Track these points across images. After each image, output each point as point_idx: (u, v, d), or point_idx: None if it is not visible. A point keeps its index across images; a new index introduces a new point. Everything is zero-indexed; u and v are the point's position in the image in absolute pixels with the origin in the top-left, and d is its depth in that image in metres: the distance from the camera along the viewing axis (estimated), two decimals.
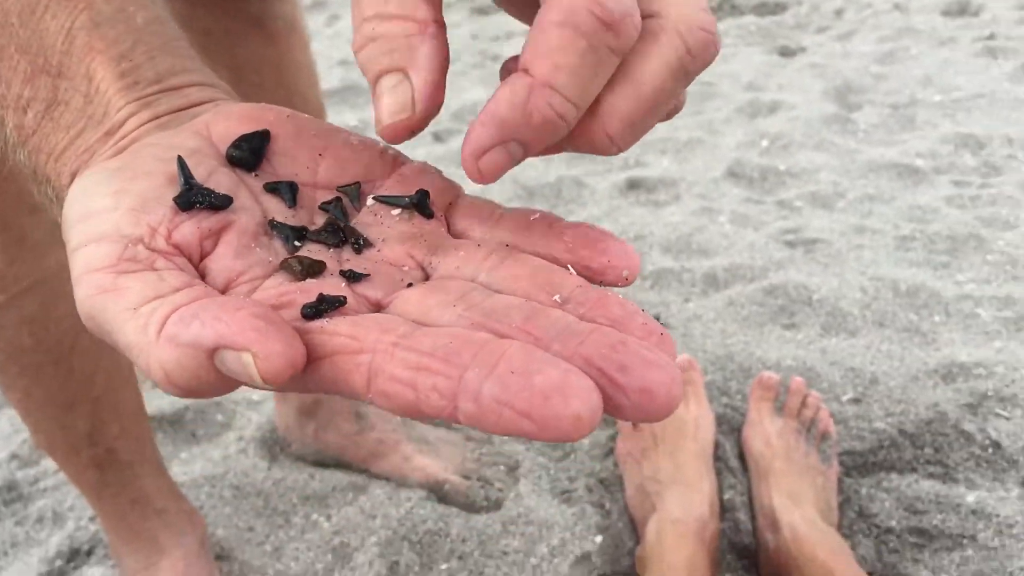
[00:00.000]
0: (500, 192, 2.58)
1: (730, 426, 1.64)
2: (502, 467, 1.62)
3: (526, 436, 0.34)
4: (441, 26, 0.44)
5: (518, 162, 0.44)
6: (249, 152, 0.49)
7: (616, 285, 0.44)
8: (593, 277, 0.43)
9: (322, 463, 1.64)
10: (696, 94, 3.19)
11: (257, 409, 1.78)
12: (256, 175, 0.49)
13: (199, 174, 0.46)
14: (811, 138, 2.80)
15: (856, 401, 1.73)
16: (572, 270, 0.44)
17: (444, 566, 1.43)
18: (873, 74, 3.25)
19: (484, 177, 0.41)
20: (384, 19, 0.44)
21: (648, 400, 0.34)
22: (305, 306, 0.41)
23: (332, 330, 0.38)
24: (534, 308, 0.39)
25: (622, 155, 2.79)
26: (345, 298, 0.42)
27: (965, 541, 1.46)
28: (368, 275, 0.45)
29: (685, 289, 2.15)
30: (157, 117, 0.50)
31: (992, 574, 1.38)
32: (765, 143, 2.81)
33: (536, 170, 2.70)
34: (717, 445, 1.57)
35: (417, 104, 0.43)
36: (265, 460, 1.66)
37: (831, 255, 2.23)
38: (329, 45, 3.96)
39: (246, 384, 0.37)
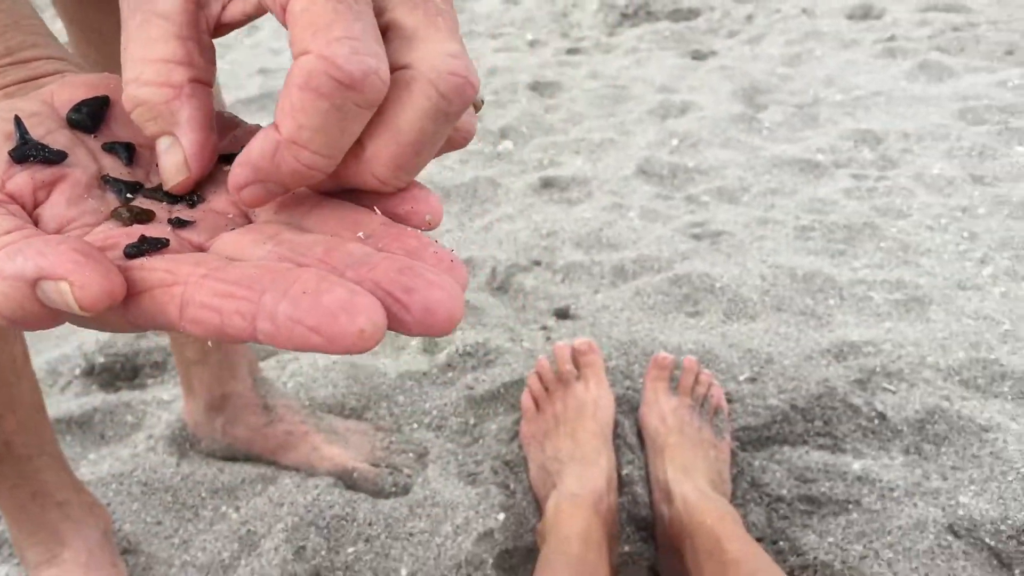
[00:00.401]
0: None
1: (630, 406, 1.70)
2: (411, 454, 1.66)
3: (317, 350, 0.38)
4: (200, 83, 0.47)
5: (281, 194, 0.47)
6: (88, 116, 0.52)
7: (422, 228, 0.48)
8: (399, 221, 0.46)
9: (232, 457, 1.66)
10: (610, 97, 3.27)
11: (168, 408, 1.79)
12: (95, 137, 0.52)
13: (37, 133, 0.49)
14: (719, 136, 2.89)
15: (752, 380, 1.81)
16: (378, 211, 0.48)
17: (351, 549, 1.46)
18: (779, 75, 3.37)
19: (247, 205, 0.46)
20: (143, 84, 0.47)
21: (430, 316, 0.38)
22: (128, 246, 0.44)
23: (151, 266, 0.41)
24: (335, 242, 0.42)
25: (536, 156, 2.85)
26: (168, 240, 0.45)
27: (850, 506, 1.53)
28: (193, 222, 0.48)
29: (595, 281, 2.21)
30: (4, 87, 0.53)
31: (873, 534, 1.45)
32: (675, 142, 2.90)
33: (452, 171, 2.75)
34: (617, 424, 1.63)
35: (191, 164, 0.48)
36: (174, 457, 1.67)
37: (734, 246, 2.32)
38: (249, 55, 3.96)
39: (66, 313, 0.41)
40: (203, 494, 1.59)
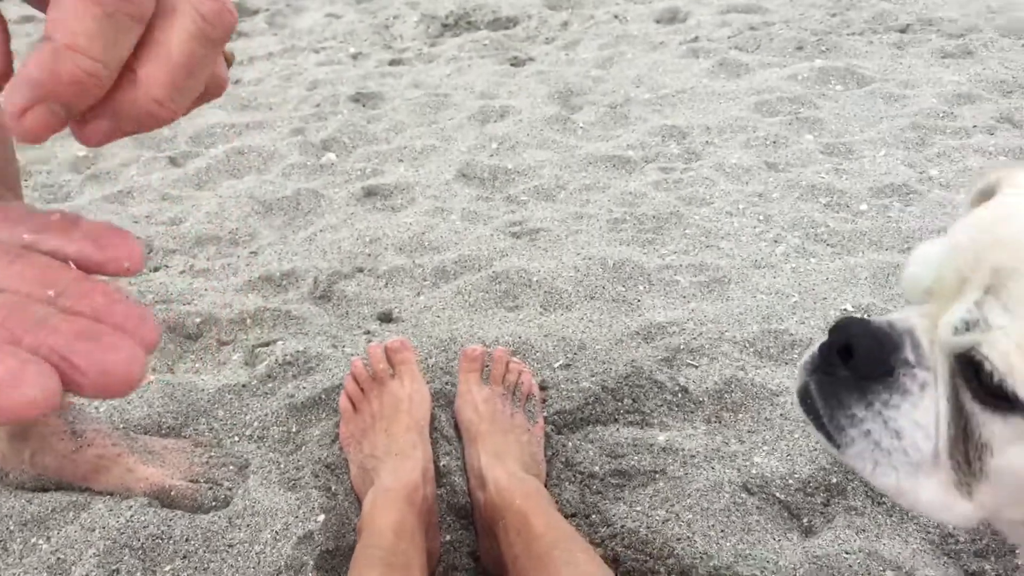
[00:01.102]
0: (236, 207, 2.59)
1: (448, 400, 1.74)
2: (231, 467, 1.65)
3: None
4: None
5: (64, 123, 0.48)
6: None
7: (120, 275, 0.50)
8: (99, 270, 0.48)
9: (43, 487, 1.61)
10: (432, 105, 3.33)
11: None
12: None
13: None
14: (535, 138, 2.99)
15: (566, 366, 1.89)
16: (73, 265, 0.48)
17: (168, 567, 1.44)
18: (593, 77, 3.51)
19: (31, 134, 0.46)
20: None
21: (106, 379, 0.40)
22: None
23: None
24: (18, 303, 0.43)
25: (359, 165, 2.87)
26: None
27: (657, 475, 1.63)
28: None
29: (417, 284, 2.25)
30: None
31: (675, 499, 1.55)
32: (495, 145, 2.98)
33: (273, 185, 2.73)
34: (434, 418, 1.67)
35: None
36: None
37: (551, 241, 2.41)
38: None
39: None
40: (11, 527, 1.53)
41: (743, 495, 1.55)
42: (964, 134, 2.83)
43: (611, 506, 1.57)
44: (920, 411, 0.71)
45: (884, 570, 1.40)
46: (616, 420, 1.77)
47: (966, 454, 0.69)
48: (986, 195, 0.79)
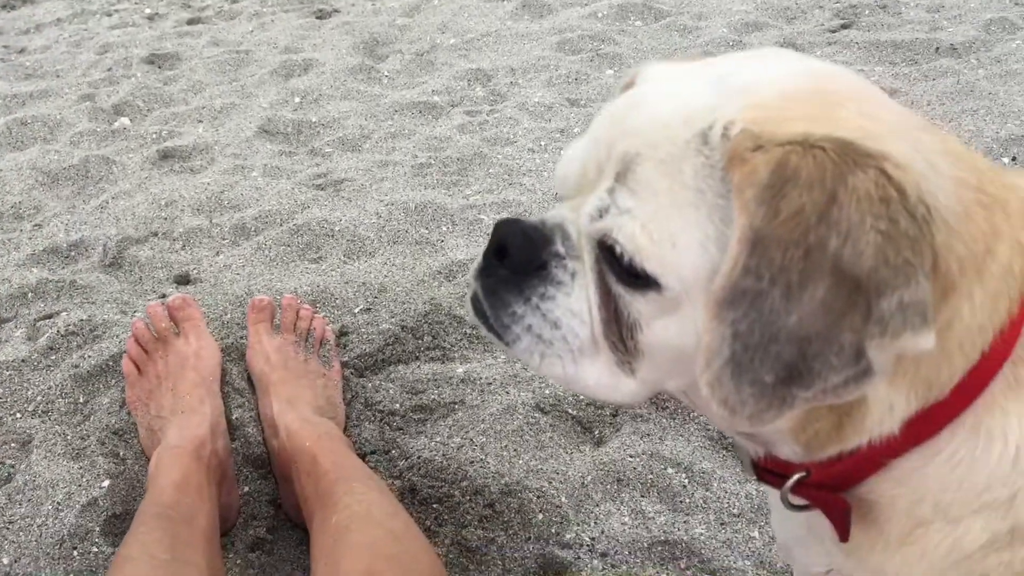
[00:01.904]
0: (19, 180, 2.45)
1: (243, 354, 1.71)
2: (13, 444, 1.57)
3: None
4: None
5: None
6: None
7: None
8: None
9: None
10: (232, 63, 3.22)
11: None
12: None
13: None
14: (339, 90, 2.95)
15: (367, 311, 1.88)
16: None
17: None
18: (399, 26, 3.47)
19: None
20: None
21: None
22: None
23: None
24: None
25: (155, 129, 2.76)
26: None
27: (456, 406, 1.65)
28: None
29: (216, 243, 2.19)
30: None
31: (470, 425, 1.58)
32: (298, 100, 2.91)
33: (59, 154, 2.59)
34: (227, 372, 1.64)
35: None
36: None
37: (355, 190, 2.38)
38: None
39: None
40: None
41: (536, 415, 1.60)
42: None
43: (411, 440, 1.59)
44: (573, 299, 0.74)
45: (665, 467, 1.47)
46: (417, 358, 1.78)
47: (620, 335, 0.73)
48: (628, 89, 0.83)
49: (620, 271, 0.70)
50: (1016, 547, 0.73)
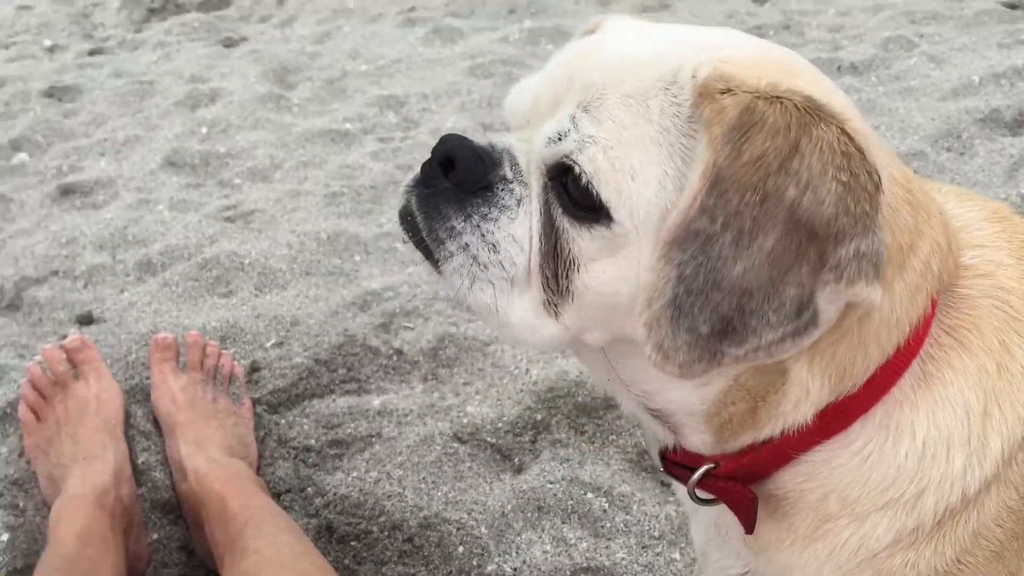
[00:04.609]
0: None
1: (147, 395, 1.65)
2: None
3: None
4: None
5: None
6: None
7: None
8: None
9: None
10: (136, 94, 3.14)
11: None
12: None
13: None
14: (248, 119, 2.89)
15: (279, 344, 1.84)
16: None
17: None
18: (309, 53, 3.43)
19: None
20: None
21: None
22: None
23: None
24: None
25: (55, 163, 2.68)
26: None
27: (373, 439, 1.62)
28: None
29: (120, 281, 2.12)
30: None
31: (387, 458, 1.55)
32: (204, 130, 2.85)
33: None
34: (130, 415, 1.58)
35: None
36: None
37: (266, 222, 2.33)
38: None
39: None
40: None
41: (455, 444, 1.57)
42: None
43: (326, 476, 1.55)
44: (516, 225, 0.72)
45: (585, 492, 1.46)
46: (332, 392, 1.74)
47: (555, 272, 0.71)
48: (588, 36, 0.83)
49: (569, 201, 0.69)
50: (921, 546, 0.74)
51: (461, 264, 0.73)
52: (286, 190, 2.50)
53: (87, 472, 1.38)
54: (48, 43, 3.76)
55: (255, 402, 1.68)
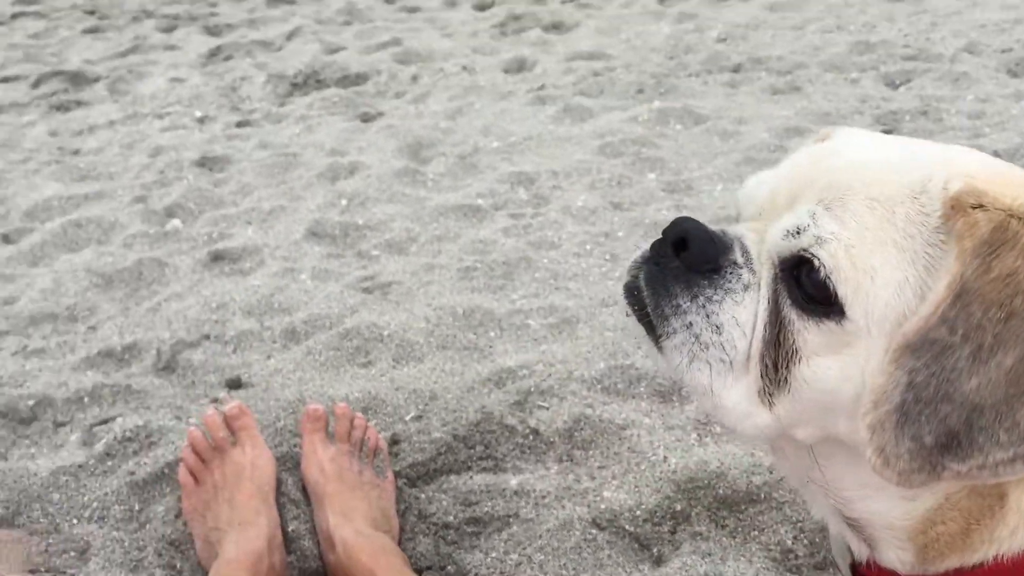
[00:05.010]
0: (74, 282, 2.50)
1: (297, 462, 1.71)
2: (72, 552, 1.57)
3: None
4: None
5: None
6: None
7: None
8: None
9: None
10: (280, 165, 3.30)
11: None
12: None
13: None
14: (385, 192, 3.00)
15: (418, 418, 1.88)
16: None
17: None
18: (442, 129, 3.55)
19: None
20: None
21: None
22: None
23: None
24: None
25: (206, 230, 2.82)
26: None
27: (511, 519, 1.63)
28: None
29: (266, 347, 2.21)
30: None
31: (527, 541, 1.56)
32: (344, 202, 2.97)
33: (113, 256, 2.65)
34: (281, 482, 1.64)
35: None
36: None
37: (403, 294, 2.41)
38: None
39: None
40: None
41: (593, 531, 1.57)
42: None
43: (466, 555, 1.57)
44: (741, 309, 0.74)
45: None
46: (469, 468, 1.77)
47: (775, 361, 0.72)
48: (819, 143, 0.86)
49: (800, 294, 0.70)
50: None
51: (683, 342, 0.74)
52: (421, 263, 2.58)
53: (242, 538, 1.43)
54: (199, 114, 3.99)
55: (395, 475, 1.72)
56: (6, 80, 4.61)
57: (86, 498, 1.69)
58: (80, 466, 1.75)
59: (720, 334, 0.74)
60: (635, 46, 4.40)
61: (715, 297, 0.74)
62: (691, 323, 0.74)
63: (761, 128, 3.27)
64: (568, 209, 2.82)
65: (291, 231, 2.79)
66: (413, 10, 5.48)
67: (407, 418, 1.88)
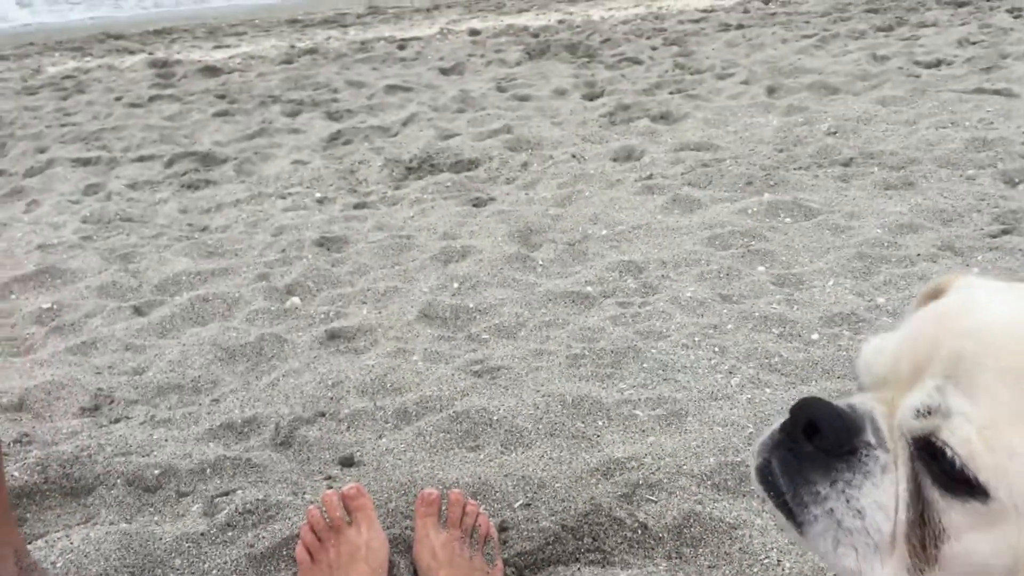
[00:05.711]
0: (199, 354, 2.62)
1: (407, 545, 1.74)
2: None
3: None
4: None
5: None
6: None
7: None
8: None
9: None
10: (395, 247, 3.42)
11: None
12: None
13: None
14: (496, 277, 3.07)
15: (527, 506, 1.90)
16: None
17: None
18: (552, 216, 3.63)
19: None
20: None
21: None
22: None
23: None
24: None
25: (323, 309, 2.93)
26: None
27: None
28: None
29: (379, 426, 2.27)
30: None
31: None
32: (456, 285, 3.05)
33: (237, 331, 2.77)
34: (393, 564, 1.67)
35: None
36: None
37: (512, 379, 2.44)
38: (28, 231, 3.88)
39: None
40: None
41: None
42: (908, 262, 2.94)
43: None
44: (881, 492, 0.73)
45: None
46: (577, 559, 1.77)
47: (922, 539, 0.71)
48: (933, 296, 0.84)
49: (939, 475, 0.69)
50: None
51: (826, 528, 0.74)
52: (530, 348, 2.62)
53: None
54: (318, 195, 4.18)
55: (504, 563, 1.73)
56: (142, 159, 4.92)
57: (207, 565, 1.75)
58: (202, 534, 1.82)
59: (863, 519, 0.73)
60: (743, 138, 4.43)
61: (854, 481, 0.73)
62: (832, 509, 0.74)
63: (874, 223, 3.23)
64: (676, 299, 2.83)
65: (404, 312, 2.88)
66: (524, 99, 5.65)
67: (515, 505, 1.90)
